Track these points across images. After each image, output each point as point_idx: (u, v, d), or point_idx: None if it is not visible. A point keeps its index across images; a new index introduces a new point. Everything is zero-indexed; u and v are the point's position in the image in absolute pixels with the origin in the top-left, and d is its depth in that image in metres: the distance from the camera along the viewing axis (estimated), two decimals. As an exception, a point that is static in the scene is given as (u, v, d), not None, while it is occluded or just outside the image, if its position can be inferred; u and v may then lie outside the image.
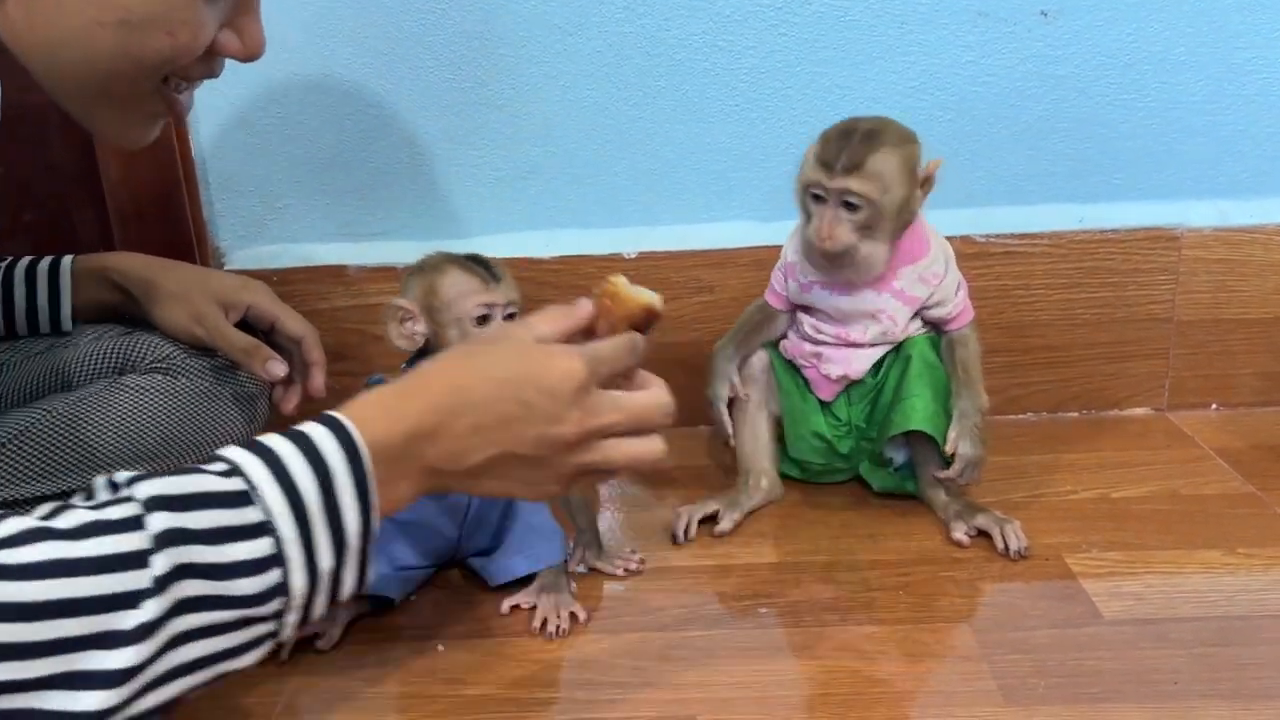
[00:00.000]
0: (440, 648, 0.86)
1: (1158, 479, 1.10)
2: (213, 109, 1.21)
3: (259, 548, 0.56)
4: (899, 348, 1.05)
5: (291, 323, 1.06)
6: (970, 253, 1.20)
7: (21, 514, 0.53)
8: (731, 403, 1.09)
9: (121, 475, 0.57)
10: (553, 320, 0.70)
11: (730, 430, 1.08)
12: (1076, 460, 1.15)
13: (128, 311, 1.04)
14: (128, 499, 0.55)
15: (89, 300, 1.03)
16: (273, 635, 0.59)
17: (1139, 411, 1.27)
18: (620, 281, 0.74)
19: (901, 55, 1.18)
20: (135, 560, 0.52)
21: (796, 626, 0.87)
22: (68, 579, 0.50)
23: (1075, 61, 1.18)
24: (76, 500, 0.56)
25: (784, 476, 1.11)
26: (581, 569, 0.97)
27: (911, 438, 1.04)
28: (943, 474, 1.01)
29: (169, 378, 1.04)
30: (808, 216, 0.99)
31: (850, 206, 0.95)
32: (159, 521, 0.54)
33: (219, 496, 0.56)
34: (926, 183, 0.98)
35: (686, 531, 1.02)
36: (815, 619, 0.88)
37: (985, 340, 1.18)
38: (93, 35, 0.74)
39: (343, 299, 1.23)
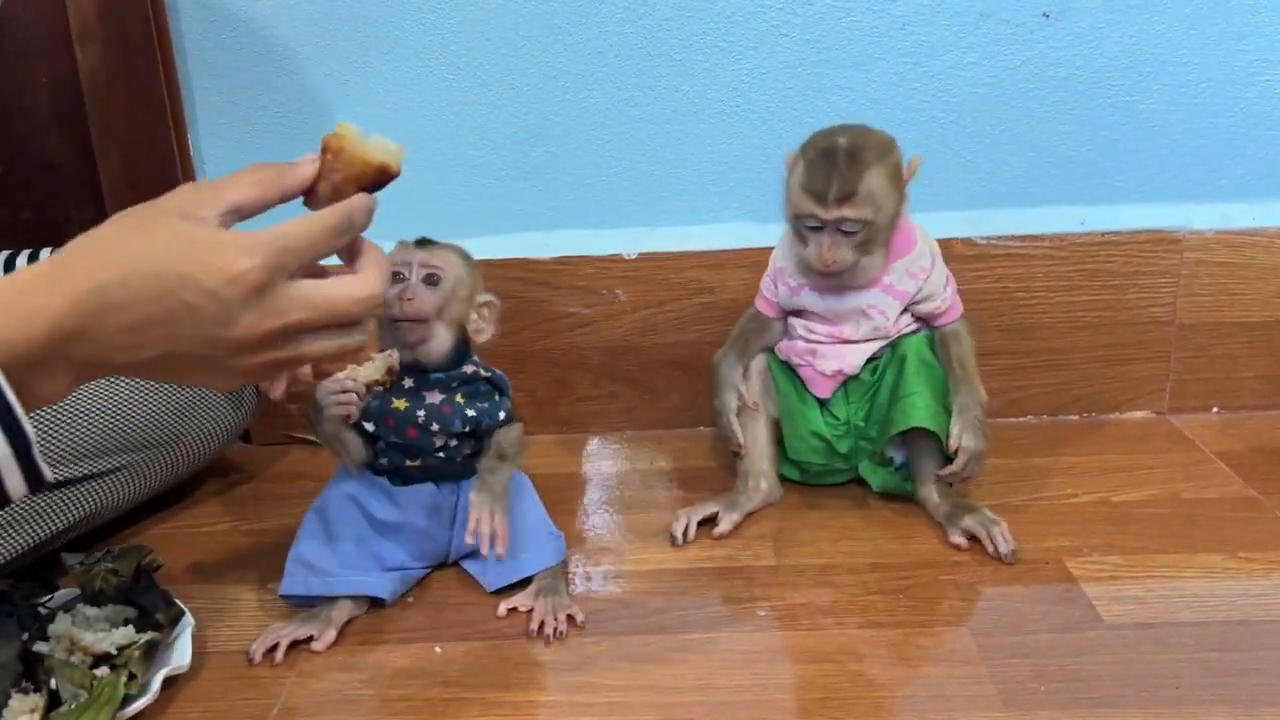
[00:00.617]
0: (438, 650, 0.86)
1: (1159, 482, 1.10)
2: (212, 108, 1.20)
3: None
4: (894, 346, 1.04)
5: None
6: (971, 254, 1.20)
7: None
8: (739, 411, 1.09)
9: None
10: (249, 186, 0.62)
11: (742, 440, 1.08)
12: (1077, 463, 1.15)
13: None
14: None
15: None
16: None
17: (1140, 414, 1.27)
18: (349, 132, 0.65)
19: (903, 57, 1.17)
20: None
21: (796, 630, 0.87)
22: None
23: (1077, 63, 1.17)
24: None
25: (783, 479, 1.10)
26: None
27: (909, 437, 1.03)
28: (945, 470, 1.00)
29: None
30: (802, 240, 0.99)
31: (846, 231, 0.95)
32: None
33: None
34: (908, 180, 0.99)
35: (685, 533, 1.02)
36: (814, 622, 0.88)
37: (985, 342, 1.19)
38: None
39: (341, 299, 1.23)
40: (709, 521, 1.04)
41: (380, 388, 0.89)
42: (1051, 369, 1.25)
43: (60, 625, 0.79)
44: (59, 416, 0.97)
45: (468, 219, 1.23)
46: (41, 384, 0.58)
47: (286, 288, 0.60)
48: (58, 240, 1.12)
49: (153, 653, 0.79)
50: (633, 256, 1.22)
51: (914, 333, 1.05)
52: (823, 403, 1.07)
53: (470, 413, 0.93)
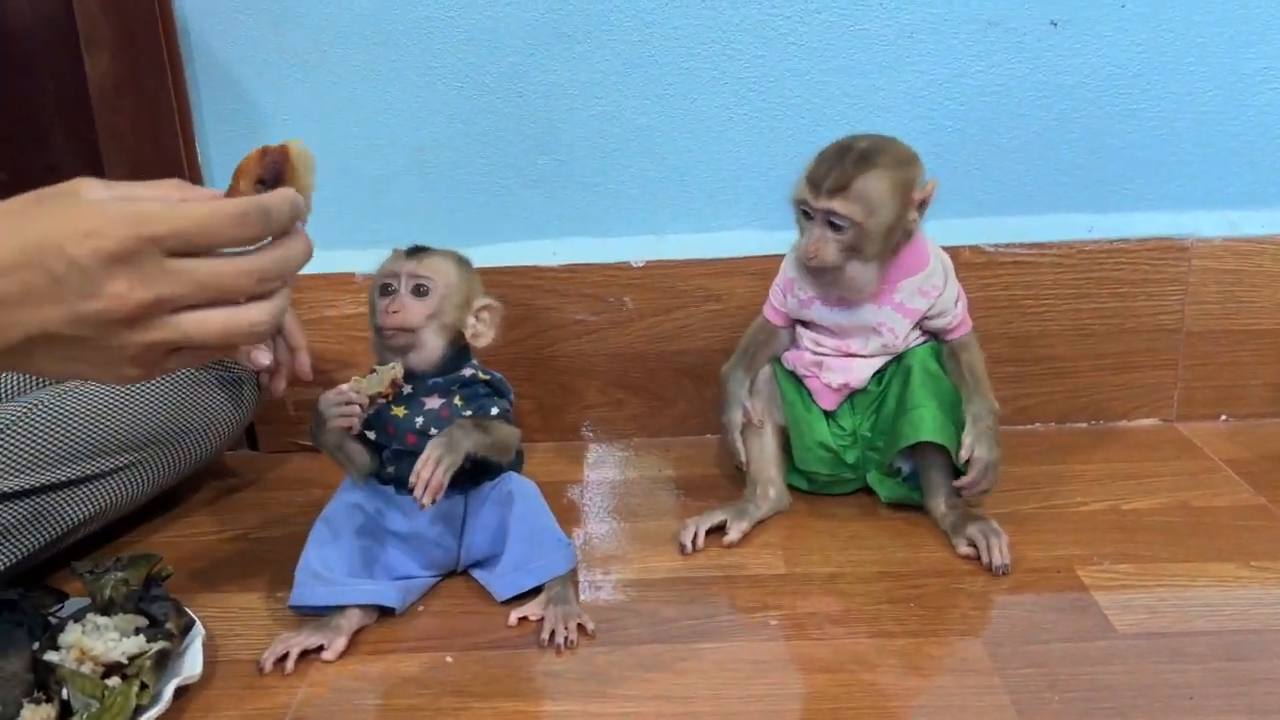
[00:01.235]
0: (449, 659, 0.85)
1: (1168, 490, 1.10)
2: (219, 116, 1.20)
3: None
4: (900, 357, 1.04)
5: None
6: (979, 262, 1.20)
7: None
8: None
9: None
10: (150, 187, 0.58)
11: (745, 456, 1.08)
12: (1085, 471, 1.15)
13: None
14: None
15: None
16: None
17: (1148, 422, 1.27)
18: (296, 150, 0.63)
19: (911, 65, 1.17)
20: None
21: (807, 639, 0.87)
22: None
23: (1085, 71, 1.17)
24: None
25: (792, 488, 1.10)
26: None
27: (917, 448, 1.03)
28: (959, 481, 1.00)
29: None
30: (800, 231, 0.99)
31: (835, 227, 0.95)
32: None
33: None
34: (924, 203, 0.98)
35: (695, 542, 1.01)
36: (825, 631, 0.87)
37: (993, 350, 1.18)
38: None
39: (349, 306, 1.23)
40: (718, 530, 1.03)
41: (383, 400, 0.89)
42: (1059, 376, 1.25)
43: (71, 635, 0.79)
44: (60, 418, 0.97)
45: (475, 226, 1.23)
46: None
47: (161, 259, 0.55)
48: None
49: (164, 662, 0.79)
50: (640, 264, 1.22)
51: (920, 344, 1.05)
52: (828, 414, 1.07)
53: (467, 414, 0.93)
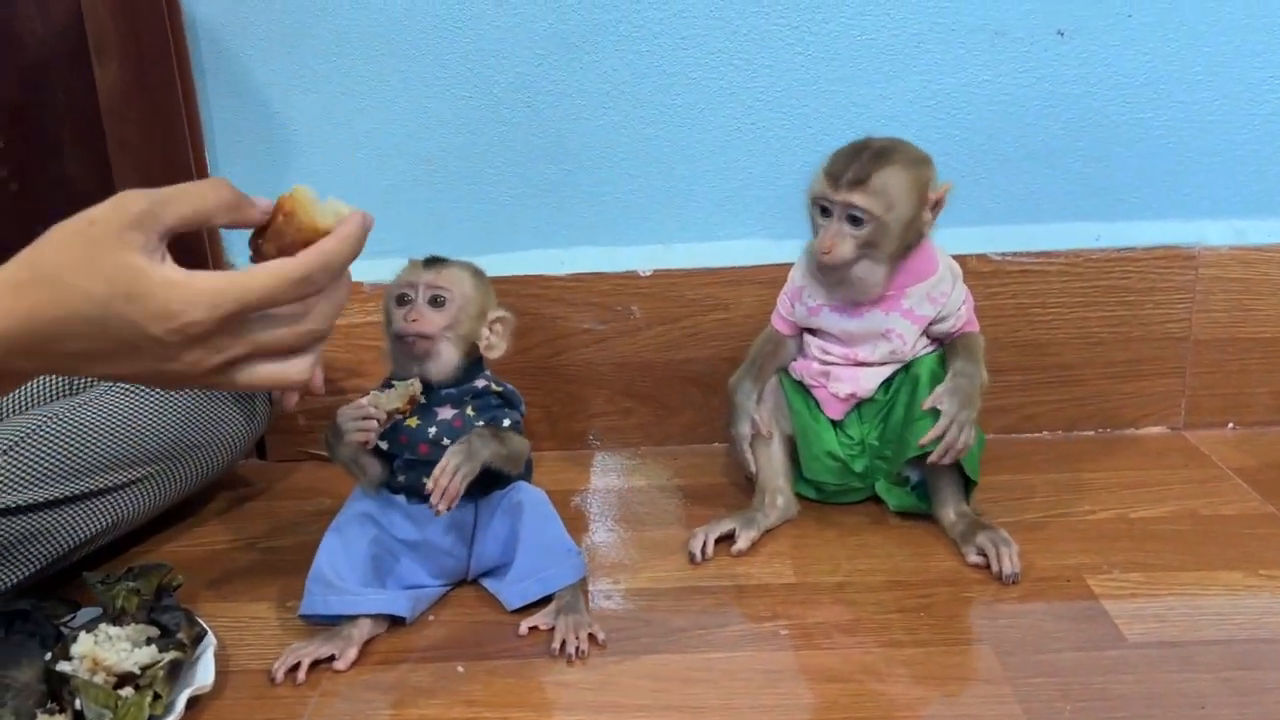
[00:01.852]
0: (460, 669, 0.85)
1: (1176, 499, 1.10)
2: (229, 125, 1.21)
3: None
4: (907, 367, 1.04)
5: None
6: (986, 271, 1.20)
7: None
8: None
9: None
10: (194, 203, 0.61)
11: (754, 468, 1.08)
12: (1093, 479, 1.15)
13: None
14: None
15: None
16: None
17: (1155, 430, 1.27)
18: (304, 196, 0.64)
19: (918, 74, 1.18)
20: None
21: (817, 649, 0.87)
22: None
23: (1092, 80, 1.17)
24: None
25: (800, 497, 1.10)
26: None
27: (925, 457, 1.03)
28: (924, 438, 0.98)
29: None
30: (814, 231, 0.99)
31: (855, 221, 0.95)
32: None
33: None
34: (937, 205, 0.98)
35: (704, 551, 1.02)
36: (835, 641, 0.87)
37: (1001, 359, 1.20)
38: None
39: (358, 315, 1.23)
40: (726, 539, 1.04)
41: (400, 415, 0.89)
42: (1066, 385, 1.25)
43: (83, 645, 0.79)
44: (76, 431, 0.97)
45: (483, 236, 1.23)
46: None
47: (227, 326, 0.60)
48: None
49: (176, 672, 0.79)
50: (648, 273, 1.22)
51: (928, 353, 1.05)
52: (836, 423, 1.07)
53: (480, 424, 0.93)
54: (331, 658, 0.86)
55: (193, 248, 1.20)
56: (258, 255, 0.64)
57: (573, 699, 0.82)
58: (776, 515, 1.07)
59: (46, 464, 0.95)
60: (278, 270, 0.60)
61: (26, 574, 0.94)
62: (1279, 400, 1.25)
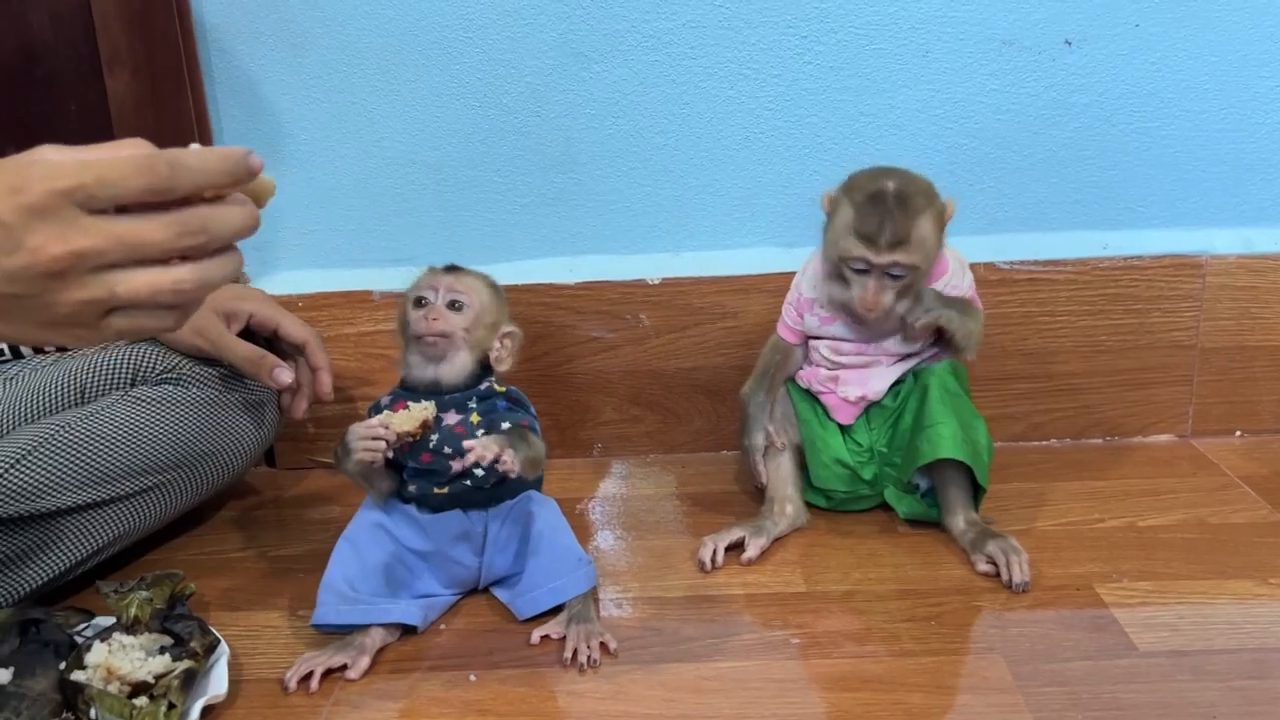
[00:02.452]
0: (472, 678, 0.86)
1: (1185, 507, 1.10)
2: (239, 135, 1.21)
3: None
4: (917, 375, 1.05)
5: (293, 327, 1.08)
6: (994, 279, 1.20)
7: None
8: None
9: None
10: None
11: (766, 479, 1.09)
12: (1102, 487, 1.15)
13: None
14: None
15: None
16: None
17: (1163, 438, 1.27)
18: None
19: (926, 83, 1.18)
20: None
21: (828, 657, 0.87)
22: None
23: (1099, 90, 1.18)
24: None
25: (809, 505, 1.11)
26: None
27: (935, 465, 1.03)
28: (910, 314, 0.98)
29: (179, 388, 1.06)
30: (841, 279, 0.99)
31: (895, 276, 0.96)
32: None
33: None
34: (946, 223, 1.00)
35: (714, 559, 1.02)
36: (846, 650, 0.88)
37: (1008, 366, 1.21)
38: None
39: (367, 324, 1.23)
40: (736, 547, 1.04)
41: (412, 439, 0.89)
42: (1074, 393, 1.25)
43: (97, 654, 0.79)
44: (87, 440, 0.98)
45: (493, 244, 1.24)
46: None
47: (77, 213, 0.56)
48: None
49: (191, 681, 0.79)
50: (657, 281, 1.23)
51: (937, 364, 1.05)
52: (845, 429, 1.08)
53: (481, 432, 0.93)
54: (344, 667, 0.86)
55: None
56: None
57: (585, 708, 0.82)
58: (786, 523, 1.07)
59: (58, 473, 0.95)
60: (119, 153, 0.57)
61: (39, 582, 0.94)
62: (1287, 408, 1.26)
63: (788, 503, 1.08)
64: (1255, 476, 1.16)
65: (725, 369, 1.23)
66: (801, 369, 1.09)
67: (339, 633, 0.90)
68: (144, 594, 0.86)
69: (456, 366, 0.95)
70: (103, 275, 0.57)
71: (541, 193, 1.23)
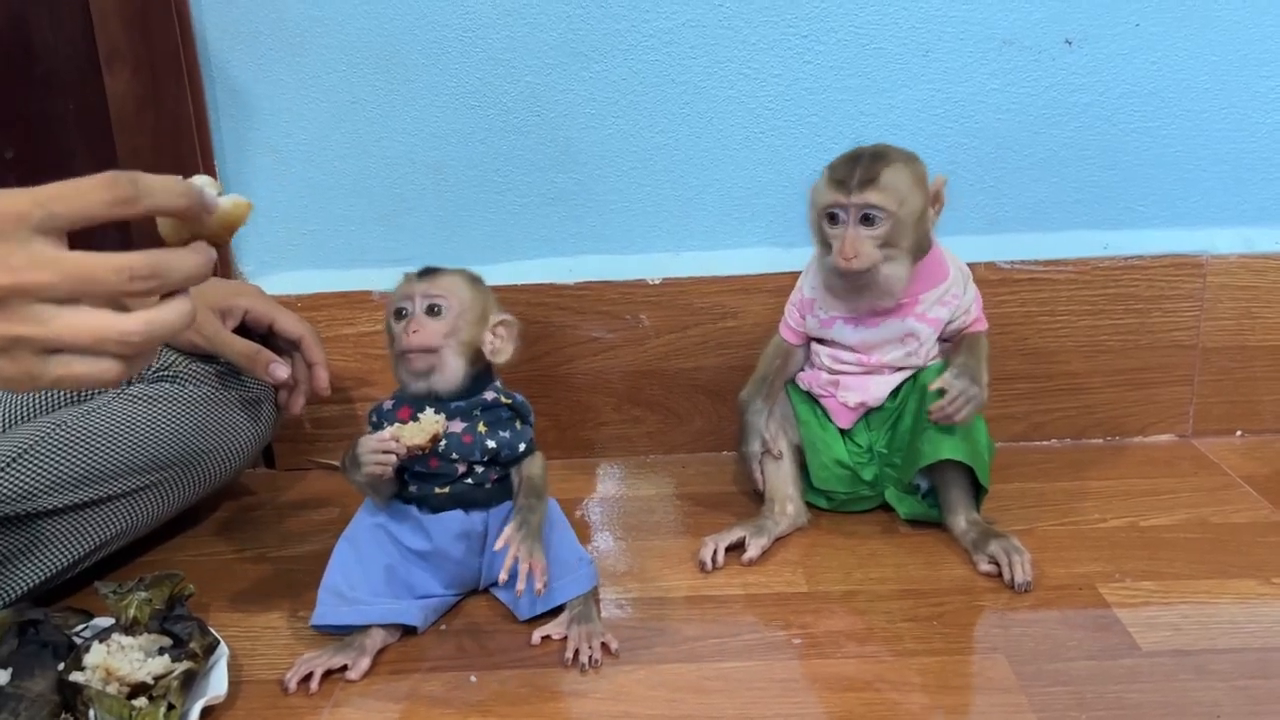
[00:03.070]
0: (473, 679, 0.85)
1: (1186, 507, 1.10)
2: (239, 135, 1.21)
3: None
4: (916, 376, 1.05)
5: (289, 323, 1.07)
6: (994, 279, 1.20)
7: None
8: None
9: None
10: (77, 197, 0.55)
11: (763, 486, 1.08)
12: (1103, 487, 1.15)
13: None
14: None
15: None
16: None
17: (1164, 438, 1.27)
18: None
19: (926, 83, 1.18)
20: None
21: (830, 658, 0.86)
22: None
23: (1099, 89, 1.18)
24: None
25: (810, 506, 1.10)
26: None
27: (935, 466, 1.03)
28: (933, 408, 0.98)
29: (175, 385, 1.06)
30: (826, 247, 0.99)
31: (869, 220, 0.95)
32: None
33: None
34: (937, 200, 0.99)
35: (714, 559, 1.01)
36: (848, 650, 0.87)
37: (1009, 366, 1.20)
38: None
39: (367, 324, 1.23)
40: (737, 547, 1.03)
41: (421, 452, 0.89)
42: (1074, 393, 1.25)
43: (96, 655, 0.79)
44: (83, 438, 0.97)
45: (492, 244, 1.24)
46: None
47: (29, 241, 0.53)
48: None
49: (190, 683, 0.79)
50: (657, 281, 1.22)
51: (936, 362, 1.05)
52: (844, 431, 1.07)
53: (490, 444, 0.92)
54: (344, 668, 0.86)
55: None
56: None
57: (587, 709, 0.81)
58: (787, 523, 1.07)
59: (54, 471, 0.95)
60: (81, 178, 0.56)
61: (37, 581, 0.94)
62: (1288, 408, 1.26)
63: (788, 502, 1.08)
64: (1256, 476, 1.16)
65: (725, 369, 1.23)
66: (803, 370, 1.09)
67: (339, 633, 0.89)
68: (143, 595, 0.86)
69: (448, 376, 0.93)
70: (42, 308, 0.55)
71: (541, 193, 1.23)
